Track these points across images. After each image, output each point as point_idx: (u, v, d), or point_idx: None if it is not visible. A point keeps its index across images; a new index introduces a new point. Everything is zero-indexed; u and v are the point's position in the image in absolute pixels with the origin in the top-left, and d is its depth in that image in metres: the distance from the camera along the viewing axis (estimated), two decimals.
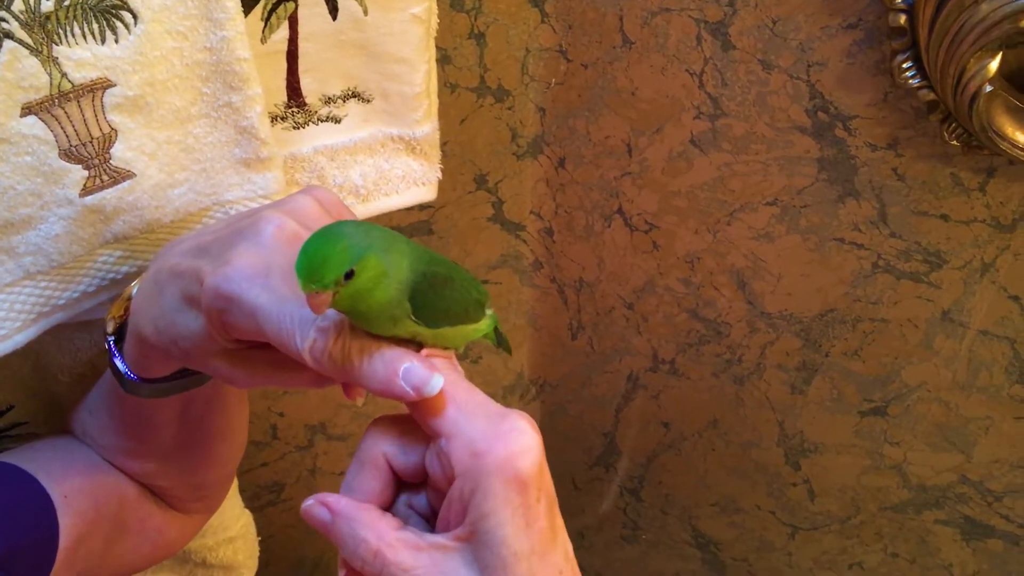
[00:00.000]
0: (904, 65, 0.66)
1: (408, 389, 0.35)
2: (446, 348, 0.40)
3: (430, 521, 0.39)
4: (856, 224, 0.78)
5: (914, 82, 0.66)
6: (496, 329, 0.47)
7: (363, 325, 0.37)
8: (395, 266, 0.36)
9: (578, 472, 1.14)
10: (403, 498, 0.40)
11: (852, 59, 0.70)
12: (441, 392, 0.36)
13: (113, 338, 0.51)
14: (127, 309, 0.50)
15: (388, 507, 0.39)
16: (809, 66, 0.71)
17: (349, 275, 0.34)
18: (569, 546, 0.38)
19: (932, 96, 0.66)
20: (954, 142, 0.68)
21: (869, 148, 0.73)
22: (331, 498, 0.37)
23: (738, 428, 0.99)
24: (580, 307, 0.97)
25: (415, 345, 0.38)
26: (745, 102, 0.75)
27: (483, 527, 0.34)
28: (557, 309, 0.98)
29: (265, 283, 0.38)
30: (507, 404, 1.08)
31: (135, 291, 0.50)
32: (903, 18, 0.64)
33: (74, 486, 0.55)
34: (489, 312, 0.44)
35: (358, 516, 0.36)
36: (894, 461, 0.93)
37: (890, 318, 0.83)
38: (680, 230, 0.85)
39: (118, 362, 0.50)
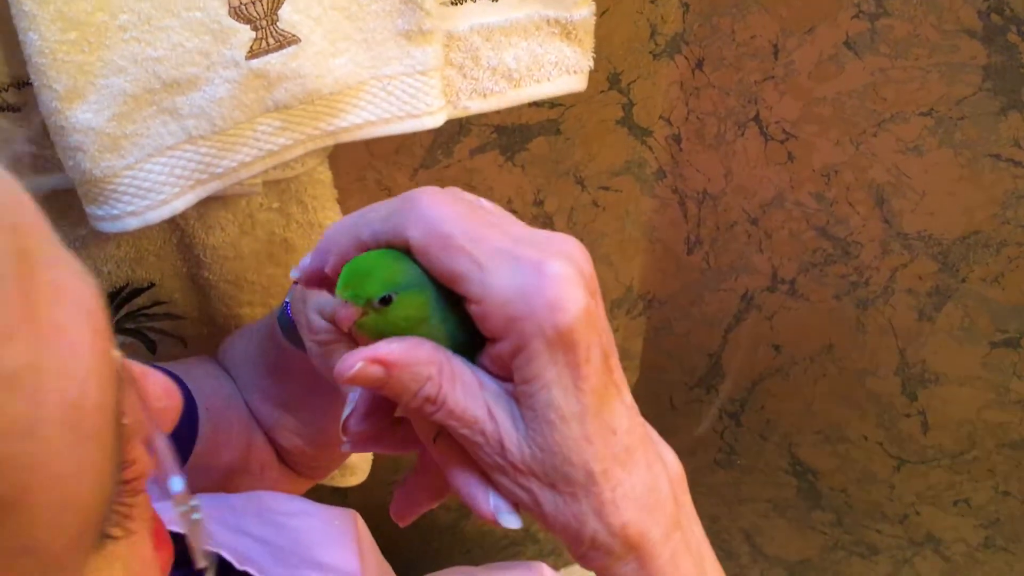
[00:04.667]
0: None
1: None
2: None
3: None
4: (1016, 140, 0.74)
5: None
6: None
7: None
8: (440, 318, 0.32)
9: (677, 392, 1.12)
10: None
11: None
12: (456, 244, 0.31)
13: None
14: None
15: None
16: None
17: (386, 300, 0.31)
18: (629, 398, 0.34)
19: None
20: None
21: None
22: (381, 351, 0.32)
23: (855, 355, 0.96)
24: (700, 220, 0.94)
25: None
26: (911, 1, 0.70)
27: (528, 390, 0.31)
28: (675, 222, 0.95)
29: None
30: (613, 318, 1.06)
31: None
32: None
33: (216, 407, 0.54)
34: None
35: (416, 356, 0.32)
36: (1020, 396, 0.90)
37: None
38: (820, 141, 0.81)
39: (287, 298, 0.49)
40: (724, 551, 1.26)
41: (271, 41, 0.51)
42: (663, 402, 1.15)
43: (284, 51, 0.51)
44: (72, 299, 0.19)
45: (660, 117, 0.87)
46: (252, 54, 0.50)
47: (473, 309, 0.32)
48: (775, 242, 0.91)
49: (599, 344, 0.32)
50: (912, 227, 0.83)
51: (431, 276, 0.32)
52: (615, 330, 1.06)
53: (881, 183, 0.81)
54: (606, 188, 0.91)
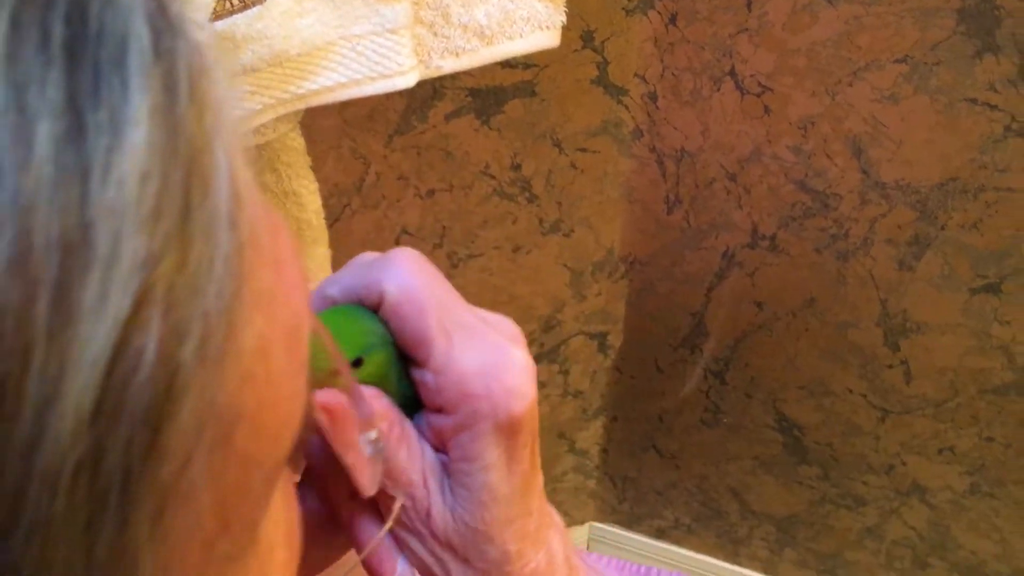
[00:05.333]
0: None
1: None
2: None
3: None
4: (992, 83, 0.74)
5: None
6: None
7: None
8: (396, 377, 0.33)
9: (662, 353, 1.12)
10: None
11: None
12: (429, 309, 0.32)
13: None
14: None
15: None
16: None
17: (357, 363, 0.31)
18: (541, 481, 0.35)
19: None
20: None
21: None
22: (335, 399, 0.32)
23: (836, 307, 0.96)
24: (679, 179, 0.93)
25: None
26: None
27: (466, 468, 0.32)
28: (654, 181, 0.95)
29: None
30: (595, 281, 1.06)
31: None
32: None
33: None
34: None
35: (373, 409, 0.33)
36: (1001, 341, 0.90)
37: (1017, 187, 0.79)
38: (795, 92, 0.81)
39: None
40: (713, 510, 1.27)
41: (235, 2, 0.50)
42: (648, 365, 1.15)
43: (249, 12, 0.50)
44: (286, 236, 0.20)
45: (635, 75, 0.86)
46: (216, 16, 0.49)
47: (427, 377, 0.32)
48: (754, 197, 0.91)
49: (533, 431, 0.33)
50: (890, 176, 0.83)
51: (391, 333, 0.32)
52: (598, 294, 1.06)
53: (858, 133, 0.81)
54: (583, 150, 0.90)
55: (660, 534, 1.35)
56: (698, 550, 1.35)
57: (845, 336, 0.98)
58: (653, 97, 0.88)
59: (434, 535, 0.33)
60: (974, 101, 0.75)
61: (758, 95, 0.83)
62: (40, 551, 0.15)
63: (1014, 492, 1.04)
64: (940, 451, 1.04)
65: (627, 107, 0.89)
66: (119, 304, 0.15)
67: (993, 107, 0.75)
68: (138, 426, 0.15)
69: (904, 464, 1.07)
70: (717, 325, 1.05)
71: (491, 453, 0.31)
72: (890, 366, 0.98)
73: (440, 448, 0.33)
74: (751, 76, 0.82)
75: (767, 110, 0.83)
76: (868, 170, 0.83)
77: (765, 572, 1.32)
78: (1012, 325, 0.88)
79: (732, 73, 0.82)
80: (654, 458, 1.25)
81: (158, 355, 0.15)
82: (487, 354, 0.31)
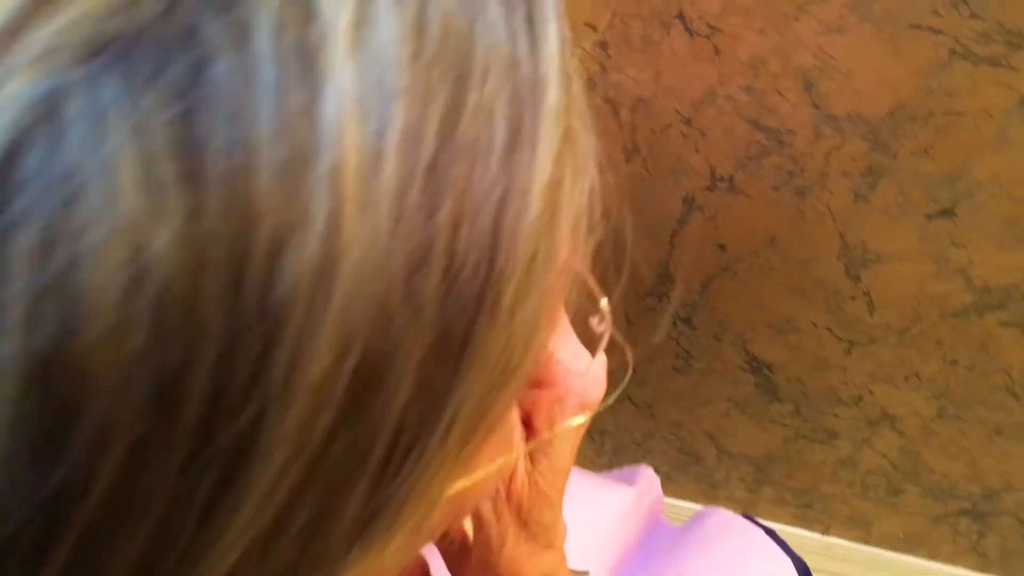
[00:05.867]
0: None
1: None
2: None
3: None
4: (934, 7, 0.75)
5: None
6: None
7: None
8: None
9: (630, 304, 1.13)
10: None
11: None
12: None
13: None
14: None
15: None
16: None
17: None
18: None
19: None
20: None
21: None
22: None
23: (797, 244, 0.97)
24: (635, 127, 0.94)
25: None
26: None
27: (549, 437, 0.37)
28: (610, 131, 0.95)
29: None
30: None
31: None
32: None
33: None
34: None
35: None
36: (959, 265, 0.93)
37: (965, 110, 0.80)
38: (744, 32, 0.82)
39: None
40: (690, 455, 1.29)
41: None
42: (618, 318, 1.16)
43: None
44: None
45: (584, 24, 0.87)
46: None
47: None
48: (710, 140, 0.92)
49: None
50: (841, 109, 0.84)
51: None
52: None
53: (807, 68, 0.82)
54: None
55: None
56: (678, 496, 1.37)
57: (807, 272, 1.00)
58: (604, 46, 0.88)
59: (508, 494, 0.37)
60: (918, 27, 0.76)
61: (707, 36, 0.83)
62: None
63: (979, 413, 1.06)
64: (906, 378, 1.07)
65: (579, 58, 0.89)
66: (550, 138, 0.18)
67: (937, 32, 0.76)
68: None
69: (872, 394, 1.10)
70: (682, 271, 1.07)
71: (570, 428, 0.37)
72: (853, 298, 1.00)
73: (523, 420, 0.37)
74: (699, 18, 0.82)
75: (717, 51, 0.84)
76: (819, 104, 0.84)
77: (744, 512, 1.35)
78: (968, 248, 0.90)
79: (680, 16, 0.83)
80: (629, 409, 1.27)
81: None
82: (576, 351, 0.36)
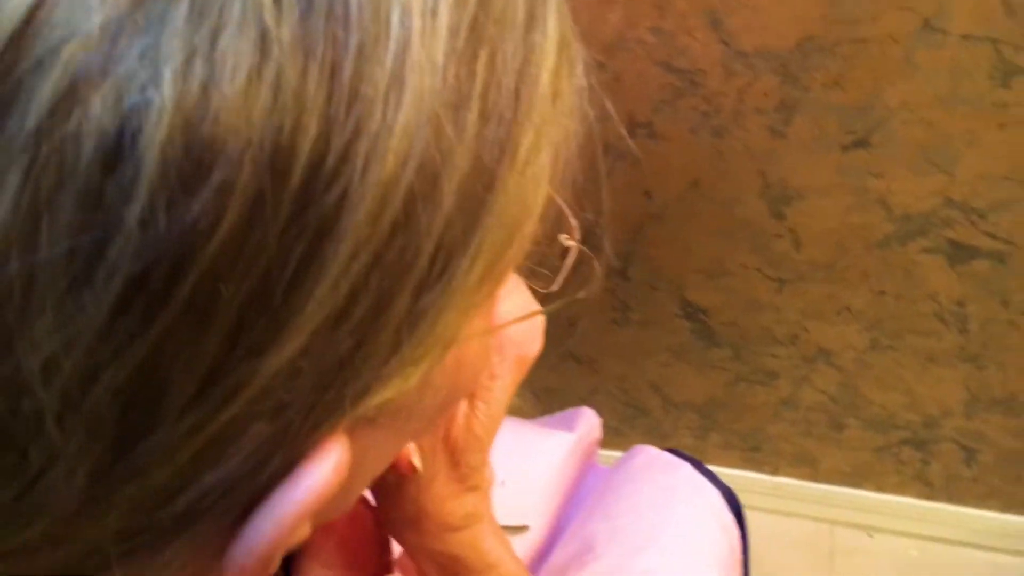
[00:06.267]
0: None
1: None
2: None
3: None
4: None
5: None
6: None
7: None
8: None
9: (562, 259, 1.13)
10: None
11: None
12: None
13: None
14: None
15: None
16: None
17: None
18: None
19: None
20: None
21: None
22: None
23: (720, 185, 0.98)
24: None
25: None
26: None
27: (489, 385, 0.42)
28: None
29: None
30: None
31: None
32: None
33: None
34: None
35: None
36: (878, 194, 0.93)
37: (870, 37, 0.80)
38: None
39: None
40: (636, 408, 1.30)
41: None
42: (553, 275, 1.16)
43: None
44: None
45: None
46: None
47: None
48: (625, 86, 0.91)
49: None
50: (750, 44, 0.84)
51: None
52: None
53: (713, 5, 0.82)
54: None
55: None
56: (628, 450, 1.38)
57: (732, 213, 1.00)
58: None
59: (447, 433, 0.41)
60: None
61: None
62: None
63: (911, 342, 1.08)
64: (838, 312, 1.08)
65: None
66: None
67: None
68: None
69: (807, 331, 1.11)
70: (612, 222, 1.06)
71: (508, 378, 0.41)
72: (778, 236, 1.01)
73: None
74: None
75: None
76: (728, 41, 0.84)
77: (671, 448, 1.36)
78: (885, 176, 0.91)
79: None
80: (572, 366, 1.27)
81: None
82: (526, 303, 0.39)
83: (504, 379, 0.41)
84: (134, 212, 0.16)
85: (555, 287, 0.38)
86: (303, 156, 0.17)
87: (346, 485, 0.23)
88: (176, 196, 0.16)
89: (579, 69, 0.25)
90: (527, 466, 0.82)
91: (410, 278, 0.20)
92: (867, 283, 1.03)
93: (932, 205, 0.92)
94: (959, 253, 0.96)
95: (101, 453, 0.18)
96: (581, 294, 0.33)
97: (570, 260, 0.38)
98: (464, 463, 0.42)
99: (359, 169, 0.18)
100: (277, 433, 0.20)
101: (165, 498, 0.20)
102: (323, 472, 0.21)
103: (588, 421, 0.91)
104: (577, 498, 0.89)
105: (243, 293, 0.18)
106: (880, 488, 1.31)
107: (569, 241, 0.38)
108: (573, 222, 0.36)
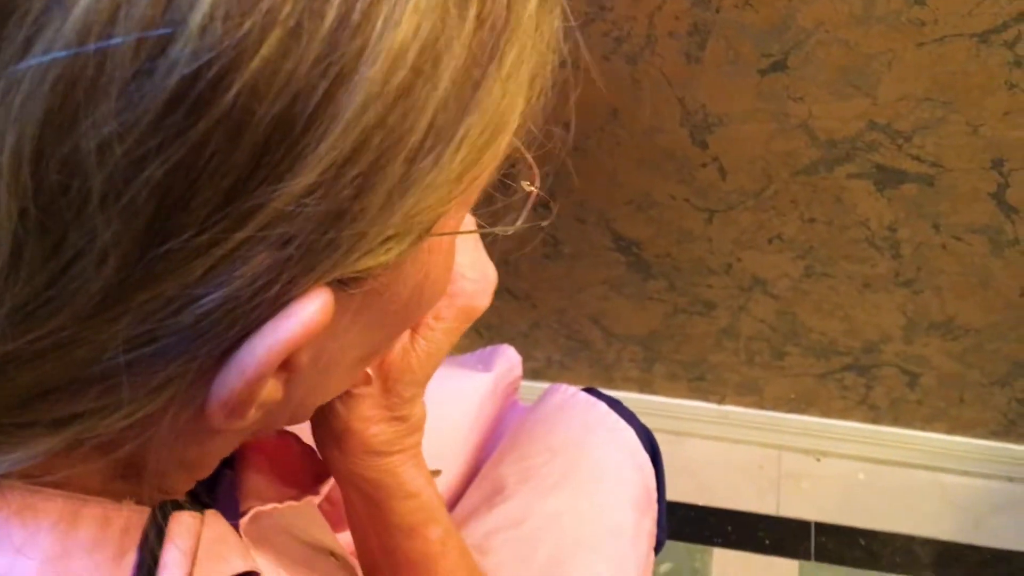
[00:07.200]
0: None
1: None
2: None
3: None
4: None
5: None
6: None
7: None
8: None
9: (487, 196, 1.09)
10: None
11: None
12: None
13: None
14: None
15: None
16: None
17: None
18: None
19: None
20: None
21: None
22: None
23: (639, 114, 0.94)
24: None
25: None
26: None
27: (433, 325, 0.44)
28: None
29: None
30: None
31: None
32: None
33: None
34: None
35: None
36: (800, 119, 0.90)
37: None
38: None
39: None
40: (578, 341, 1.28)
41: None
42: (481, 206, 1.13)
43: None
44: None
45: None
46: None
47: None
48: None
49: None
50: None
51: None
52: None
53: None
54: None
55: (536, 375, 1.36)
56: (575, 383, 1.37)
57: (655, 143, 0.96)
58: None
59: (382, 362, 0.43)
60: None
61: None
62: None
63: (845, 267, 1.06)
64: (770, 241, 1.05)
65: None
66: None
67: None
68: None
69: (740, 260, 1.08)
70: (533, 154, 1.03)
71: (452, 323, 0.44)
72: (703, 164, 0.97)
73: None
74: None
75: None
76: None
77: (641, 391, 1.35)
78: (805, 100, 0.87)
79: None
80: (510, 302, 1.25)
81: None
82: (482, 261, 0.45)
83: (448, 322, 0.44)
84: (196, 18, 0.19)
85: (512, 230, 0.40)
86: (335, 5, 0.20)
87: (320, 367, 0.28)
88: (232, 11, 0.19)
89: (558, 11, 0.29)
90: (442, 410, 0.81)
91: (404, 146, 0.23)
92: (796, 211, 1.00)
93: (856, 129, 0.89)
94: (887, 177, 0.93)
95: (130, 245, 0.21)
96: (509, 230, 0.37)
97: (530, 203, 0.40)
98: (395, 392, 0.44)
99: (377, 30, 0.21)
100: (278, 265, 0.22)
101: (173, 310, 0.22)
102: (312, 310, 0.24)
103: (507, 359, 0.89)
104: (495, 437, 0.87)
105: (271, 117, 0.20)
106: (825, 413, 1.31)
107: (530, 187, 0.40)
108: (534, 167, 0.39)
